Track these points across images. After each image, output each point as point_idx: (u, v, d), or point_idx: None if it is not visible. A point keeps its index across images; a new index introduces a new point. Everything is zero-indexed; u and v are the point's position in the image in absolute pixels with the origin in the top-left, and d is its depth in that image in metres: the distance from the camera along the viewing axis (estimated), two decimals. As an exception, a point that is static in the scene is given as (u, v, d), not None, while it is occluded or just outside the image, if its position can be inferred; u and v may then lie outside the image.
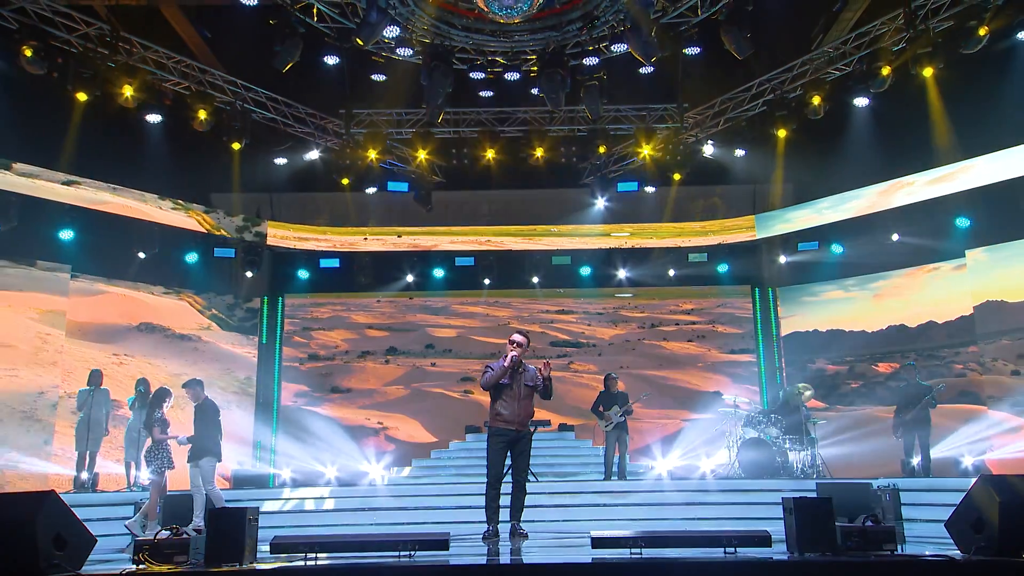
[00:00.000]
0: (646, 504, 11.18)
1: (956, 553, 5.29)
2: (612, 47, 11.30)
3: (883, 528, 5.42)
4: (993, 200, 13.59)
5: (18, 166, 14.01)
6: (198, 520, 9.13)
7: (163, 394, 9.67)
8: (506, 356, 7.19)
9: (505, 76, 12.21)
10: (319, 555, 5.27)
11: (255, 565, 5.12)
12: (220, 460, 9.42)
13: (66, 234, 14.25)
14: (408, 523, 10.04)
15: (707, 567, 4.88)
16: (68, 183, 14.56)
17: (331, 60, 11.61)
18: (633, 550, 5.26)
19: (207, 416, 9.27)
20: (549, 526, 9.56)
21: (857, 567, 4.93)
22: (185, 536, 5.28)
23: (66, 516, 5.10)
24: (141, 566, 5.15)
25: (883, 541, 5.34)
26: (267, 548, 5.54)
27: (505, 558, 5.47)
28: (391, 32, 10.62)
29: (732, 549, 5.35)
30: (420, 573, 4.73)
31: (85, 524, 5.23)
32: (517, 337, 7.33)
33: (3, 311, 14.24)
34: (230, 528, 5.09)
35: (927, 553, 5.24)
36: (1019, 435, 13.21)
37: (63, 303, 14.95)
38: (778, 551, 5.49)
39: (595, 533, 5.41)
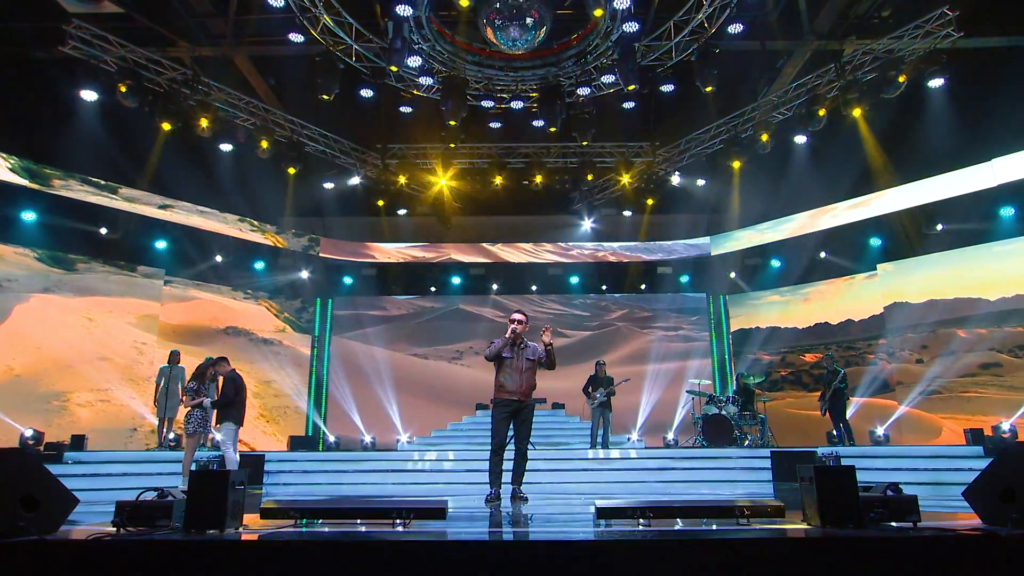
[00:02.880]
0: (626, 469, 9.51)
1: (977, 522, 3.60)
2: (602, 78, 9.81)
3: (905, 497, 3.62)
4: (900, 224, 12.64)
5: (124, 191, 12.55)
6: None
7: (204, 367, 8.13)
8: (508, 330, 5.71)
9: (511, 105, 10.63)
10: (310, 521, 3.55)
11: (240, 532, 3.41)
12: (240, 425, 7.71)
13: (160, 244, 12.98)
14: (423, 483, 8.45)
15: (728, 545, 3.12)
16: (164, 206, 13.06)
17: (367, 93, 10.07)
18: (641, 521, 3.56)
19: (235, 387, 7.61)
20: (544, 487, 7.90)
21: (892, 542, 3.16)
22: (170, 499, 3.54)
23: (40, 476, 3.42)
24: (123, 529, 3.44)
25: (906, 512, 3.57)
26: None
27: (507, 531, 3.73)
28: (414, 62, 9.18)
29: (745, 520, 3.63)
30: (412, 549, 2.97)
31: (61, 482, 3.54)
32: (517, 315, 5.77)
33: (105, 317, 12.54)
34: (211, 493, 3.39)
35: (965, 527, 3.45)
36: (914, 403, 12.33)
37: (157, 308, 13.23)
38: (791, 521, 3.76)
39: (600, 503, 3.66)
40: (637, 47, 8.71)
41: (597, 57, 9.23)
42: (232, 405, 7.51)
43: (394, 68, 8.51)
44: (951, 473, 8.67)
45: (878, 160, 12.03)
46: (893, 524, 3.49)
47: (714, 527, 3.53)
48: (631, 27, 8.09)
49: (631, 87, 8.80)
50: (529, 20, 7.68)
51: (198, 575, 3.12)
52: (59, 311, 12.05)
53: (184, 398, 7.91)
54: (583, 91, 9.78)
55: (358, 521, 3.57)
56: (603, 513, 3.60)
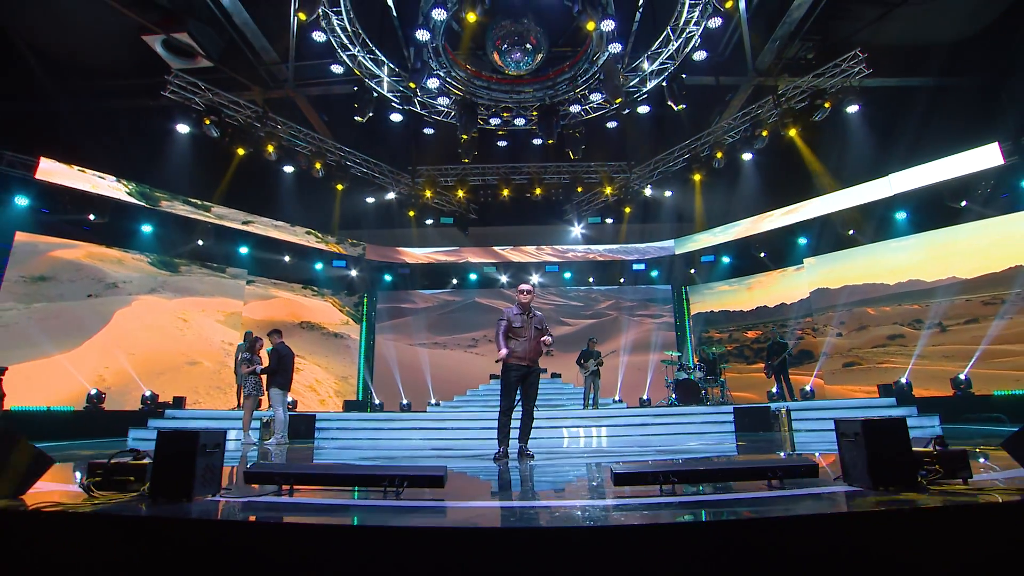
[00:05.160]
0: (614, 425, 8.11)
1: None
2: (591, 96, 8.51)
3: (955, 452, 2.25)
4: (822, 226, 11.33)
5: (215, 209, 11.39)
6: (278, 436, 6.18)
7: (255, 340, 6.80)
8: (501, 350, 4.29)
9: (515, 122, 9.26)
10: (295, 488, 2.26)
11: (213, 501, 2.11)
12: (287, 390, 6.43)
13: (243, 249, 11.74)
14: (444, 439, 7.09)
15: (780, 525, 1.78)
16: (246, 222, 11.87)
17: (396, 118, 8.85)
18: (664, 487, 2.25)
19: (277, 357, 6.34)
20: (547, 442, 6.57)
21: (969, 510, 1.83)
22: (146, 461, 2.24)
23: (3, 435, 2.19)
24: (91, 494, 2.17)
25: (957, 468, 2.22)
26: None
27: (514, 506, 2.37)
28: (433, 84, 7.96)
29: (778, 482, 2.31)
30: (396, 537, 1.65)
31: (32, 443, 2.30)
32: (524, 287, 4.43)
33: (197, 316, 11.05)
34: (178, 457, 2.10)
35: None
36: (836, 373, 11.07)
37: (240, 306, 11.79)
38: (826, 482, 2.40)
39: (616, 468, 2.32)
40: (620, 67, 7.46)
41: (587, 80, 8.00)
42: (277, 373, 6.27)
43: (412, 84, 7.32)
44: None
45: (806, 176, 10.82)
46: (945, 483, 2.18)
47: (751, 495, 2.19)
48: (615, 48, 6.86)
49: (618, 100, 7.53)
50: (529, 45, 6.51)
51: (151, 551, 1.85)
52: (157, 313, 10.56)
53: (243, 366, 6.64)
54: (574, 108, 8.52)
55: (345, 489, 2.26)
56: (621, 479, 2.27)
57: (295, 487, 2.28)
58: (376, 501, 2.07)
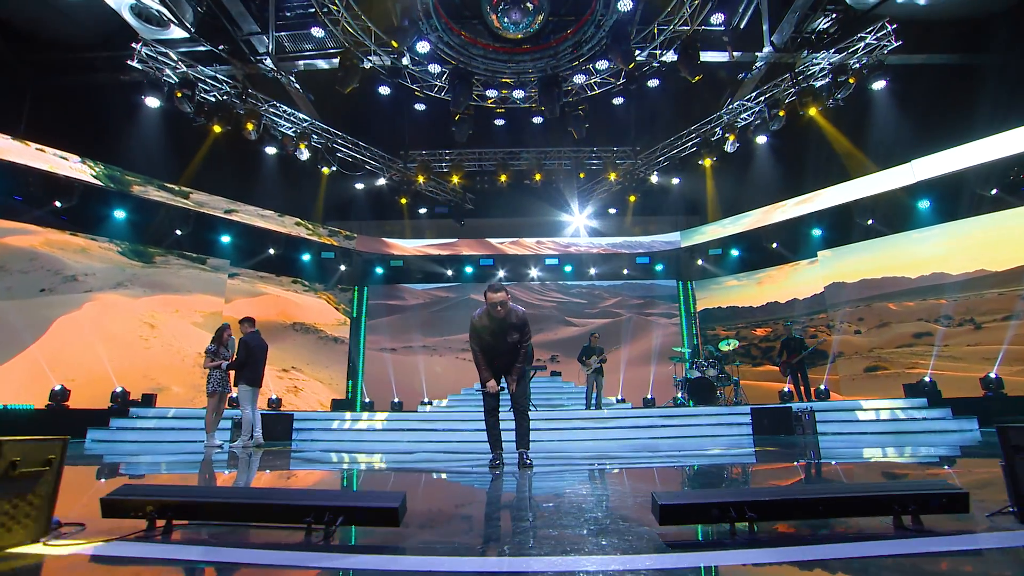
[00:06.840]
0: (619, 427, 7.31)
1: None
2: (596, 65, 7.71)
3: None
4: (836, 217, 10.58)
5: (195, 196, 10.51)
6: (244, 438, 5.38)
7: (221, 330, 5.98)
8: (486, 383, 3.53)
9: (513, 94, 8.41)
10: (175, 522, 1.43)
11: (40, 551, 1.27)
12: (258, 387, 5.61)
13: (225, 238, 10.84)
14: (435, 440, 6.31)
15: None
16: (229, 211, 10.99)
17: (384, 91, 8.03)
18: (739, 524, 1.43)
19: (246, 349, 5.53)
20: (546, 445, 5.79)
21: None
22: None
23: None
24: None
25: None
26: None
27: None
28: (423, 48, 7.16)
29: (910, 518, 1.50)
30: None
31: None
32: (495, 296, 3.40)
33: (170, 319, 9.49)
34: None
35: None
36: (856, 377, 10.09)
37: (222, 304, 10.41)
38: (979, 518, 1.55)
39: (662, 498, 1.44)
40: (630, 30, 6.69)
41: (592, 47, 7.22)
42: (245, 367, 5.45)
43: (395, 43, 6.52)
44: (907, 423, 6.86)
45: (821, 163, 10.11)
46: None
47: (888, 551, 1.37)
48: (626, 5, 6.10)
49: (631, 64, 6.73)
50: (529, 5, 5.78)
51: None
52: (119, 313, 8.90)
53: (206, 359, 5.81)
54: (579, 78, 7.73)
55: (250, 525, 1.45)
56: (670, 513, 1.45)
57: (174, 522, 1.47)
58: (286, 554, 1.25)
